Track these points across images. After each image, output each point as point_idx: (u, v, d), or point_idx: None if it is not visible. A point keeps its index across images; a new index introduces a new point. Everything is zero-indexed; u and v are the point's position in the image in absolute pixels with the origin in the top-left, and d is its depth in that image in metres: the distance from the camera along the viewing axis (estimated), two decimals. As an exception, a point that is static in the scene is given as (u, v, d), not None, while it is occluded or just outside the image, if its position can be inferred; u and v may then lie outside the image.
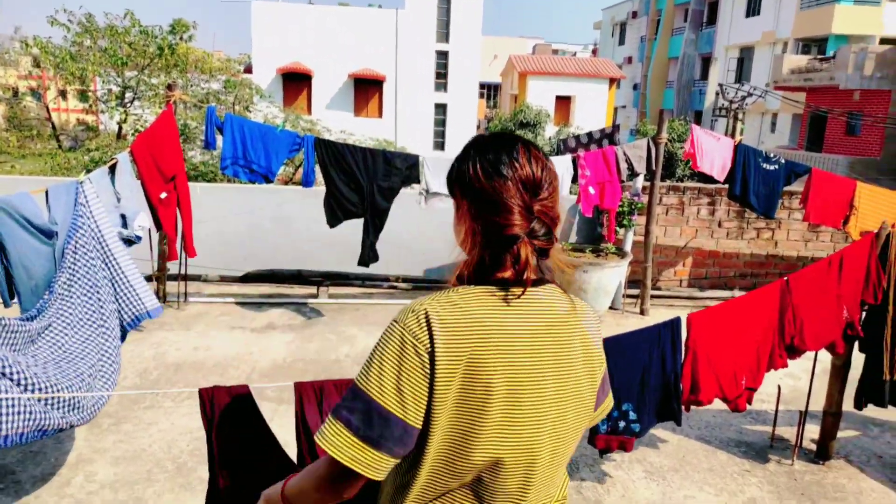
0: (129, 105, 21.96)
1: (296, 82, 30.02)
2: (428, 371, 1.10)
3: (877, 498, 3.65)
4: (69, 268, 2.91)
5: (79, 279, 2.94)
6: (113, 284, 3.17)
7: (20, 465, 3.41)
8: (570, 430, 1.22)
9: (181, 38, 22.61)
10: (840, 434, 4.08)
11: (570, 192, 6.15)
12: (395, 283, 6.98)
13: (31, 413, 2.30)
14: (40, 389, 2.30)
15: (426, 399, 1.11)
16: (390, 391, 1.10)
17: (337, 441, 1.10)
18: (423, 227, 7.21)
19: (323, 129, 18.90)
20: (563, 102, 33.41)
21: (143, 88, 21.65)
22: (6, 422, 2.17)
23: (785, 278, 3.29)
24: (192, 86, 18.42)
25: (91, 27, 22.23)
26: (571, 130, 25.03)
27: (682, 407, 3.20)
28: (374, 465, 1.10)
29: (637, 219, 6.69)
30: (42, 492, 3.21)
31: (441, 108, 31.16)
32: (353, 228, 5.99)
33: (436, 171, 5.59)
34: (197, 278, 6.62)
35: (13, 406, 2.22)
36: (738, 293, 7.29)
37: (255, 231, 7.03)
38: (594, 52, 53.39)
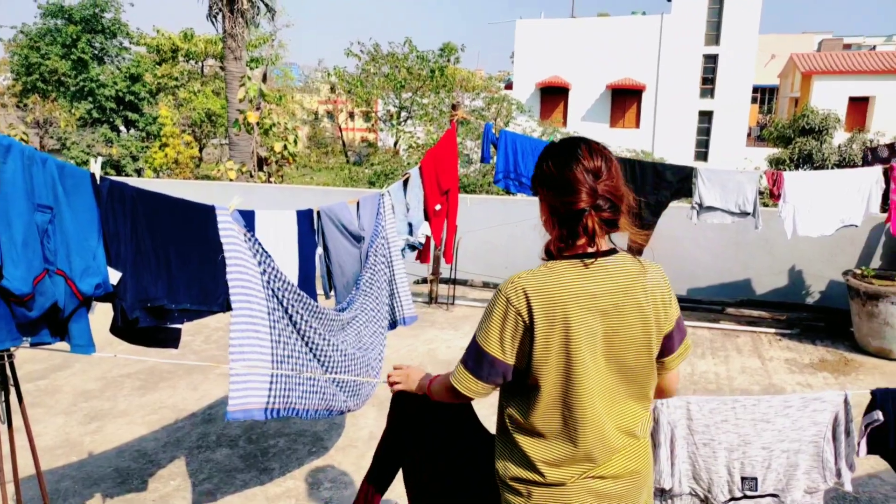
0: (403, 123, 24.59)
1: (553, 95, 30.61)
2: (529, 328, 1.50)
3: None
4: (371, 268, 3.36)
5: (375, 280, 3.38)
6: (390, 287, 3.58)
7: (327, 434, 4.03)
8: (629, 367, 1.55)
9: (449, 61, 24.66)
10: None
11: (882, 210, 5.27)
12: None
13: (324, 393, 2.69)
14: (336, 373, 2.68)
15: (528, 348, 1.51)
16: (495, 342, 1.54)
17: (458, 374, 1.64)
18: (691, 243, 6.82)
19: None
20: (858, 105, 28.76)
21: (415, 108, 24.09)
22: (307, 398, 2.56)
23: None
24: (466, 114, 19.99)
25: (377, 55, 25.39)
26: (869, 137, 21.44)
27: None
28: (477, 390, 1.62)
29: (969, 243, 5.48)
30: (343, 459, 3.74)
31: (706, 116, 29.10)
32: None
33: (711, 184, 5.25)
34: (464, 283, 7.12)
35: (314, 385, 2.62)
36: None
37: (517, 241, 7.33)
38: (902, 42, 44.98)
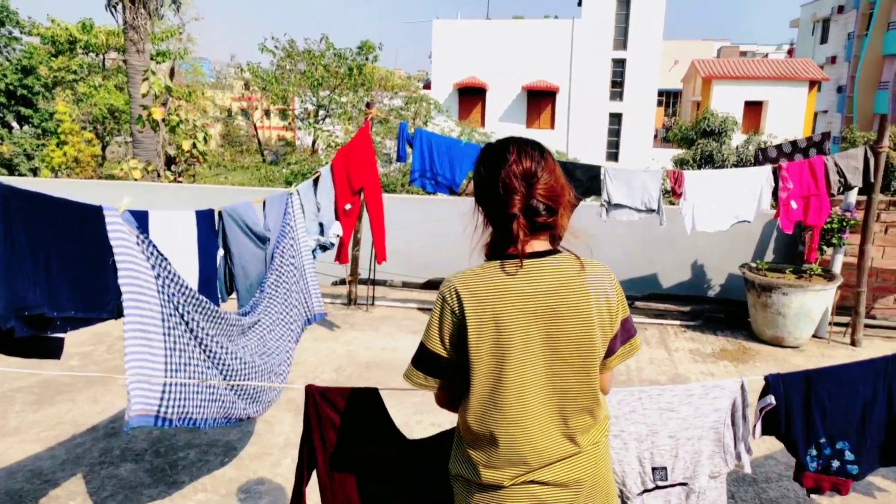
0: (321, 122, 24.15)
1: (470, 96, 30.96)
2: (461, 324, 1.53)
3: None
4: (276, 270, 3.25)
5: (282, 282, 3.28)
6: (300, 288, 3.49)
7: (240, 443, 3.88)
8: (575, 371, 1.54)
9: (367, 59, 24.43)
10: None
11: (771, 207, 5.64)
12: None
13: (222, 402, 2.59)
14: (235, 381, 2.59)
15: (463, 344, 1.54)
16: (434, 338, 1.59)
17: (407, 369, 1.69)
18: (602, 240, 7.06)
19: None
20: (753, 109, 30.82)
21: (333, 106, 23.72)
22: (205, 407, 2.46)
23: None
24: (376, 103, 19.80)
25: (292, 52, 24.79)
26: (763, 139, 22.99)
27: (914, 455, 2.78)
28: (424, 383, 1.67)
29: (849, 237, 5.96)
30: (258, 467, 3.61)
31: (616, 118, 30.30)
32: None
33: (619, 182, 5.45)
34: (383, 283, 7.06)
35: (213, 394, 2.51)
36: (978, 327, 6.20)
37: (437, 240, 7.33)
38: (790, 52, 48.64)
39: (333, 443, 2.29)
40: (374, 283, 6.76)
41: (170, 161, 10.62)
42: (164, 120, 9.82)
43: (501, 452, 1.54)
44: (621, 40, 29.73)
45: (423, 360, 1.64)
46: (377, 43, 25.25)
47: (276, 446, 3.83)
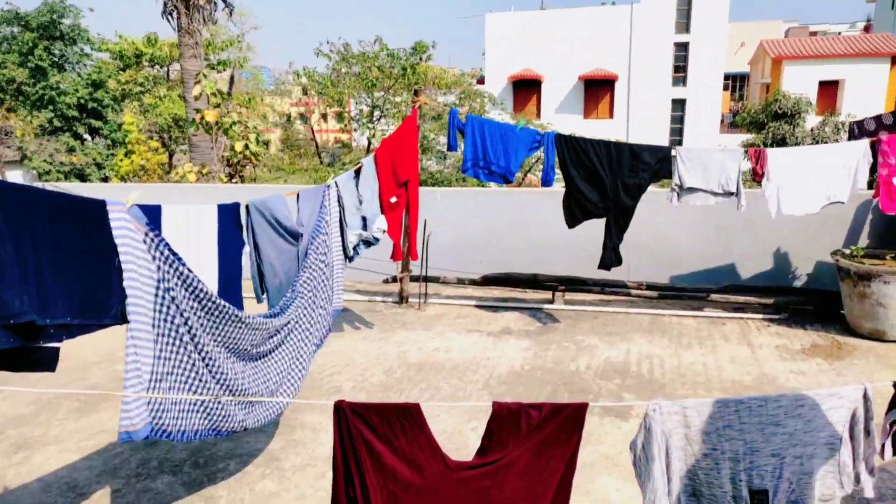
0: (376, 122, 24.16)
1: (525, 88, 30.38)
2: None
3: None
4: (310, 268, 2.96)
5: (314, 280, 2.98)
6: (328, 286, 3.20)
7: (283, 453, 3.62)
8: None
9: (421, 58, 24.26)
10: None
11: (869, 187, 4.99)
12: (639, 290, 6.37)
13: (210, 413, 2.31)
14: (237, 388, 2.30)
15: None
16: None
17: None
18: (671, 227, 6.53)
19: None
20: (829, 89, 28.91)
21: (388, 107, 23.67)
22: (183, 419, 2.18)
23: None
24: (430, 98, 19.60)
25: (347, 55, 24.91)
26: (840, 119, 21.47)
27: None
28: None
29: (962, 217, 5.23)
30: (300, 480, 3.35)
31: (679, 104, 29.06)
32: (593, 231, 5.57)
33: (691, 164, 4.93)
34: (436, 280, 6.75)
35: (198, 404, 2.24)
36: None
37: (491, 234, 6.97)
38: (866, 28, 45.57)
39: (369, 467, 1.97)
40: (426, 279, 6.45)
41: (229, 164, 10.65)
42: (217, 122, 9.82)
43: None
44: (684, 23, 28.47)
45: None
46: (430, 41, 25.06)
47: (320, 457, 3.56)
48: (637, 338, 5.53)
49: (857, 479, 2.14)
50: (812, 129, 21.40)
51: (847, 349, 5.19)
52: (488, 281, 6.72)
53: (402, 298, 6.48)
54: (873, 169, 4.91)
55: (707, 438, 2.05)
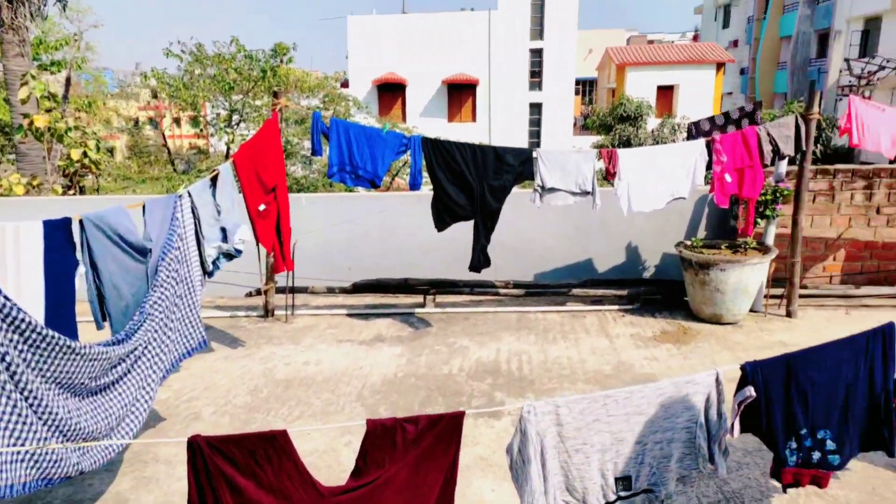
0: (235, 127, 23.00)
1: (390, 92, 30.43)
2: None
3: None
4: (160, 286, 2.68)
5: (166, 300, 2.70)
6: (186, 305, 2.93)
7: (134, 493, 3.26)
8: None
9: (282, 61, 23.43)
10: None
11: (706, 182, 5.46)
12: (506, 290, 6.53)
13: (38, 461, 2.05)
14: (67, 430, 2.04)
15: None
16: None
17: None
18: (534, 227, 6.75)
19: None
20: (665, 93, 31.75)
21: (247, 111, 22.62)
22: (7, 471, 1.91)
23: None
24: (292, 102, 19.00)
25: (201, 56, 23.50)
26: (676, 121, 23.62)
27: (894, 433, 2.53)
28: None
29: (781, 208, 5.87)
30: (156, 522, 3.03)
31: (536, 108, 30.52)
32: (462, 233, 5.62)
33: (551, 165, 5.11)
34: (304, 290, 6.49)
35: (21, 454, 1.97)
36: (903, 289, 6.27)
37: (361, 240, 6.83)
38: (695, 38, 50.62)
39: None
40: (293, 290, 6.18)
41: (62, 174, 9.58)
42: (49, 128, 8.81)
43: None
44: (538, 30, 29.96)
45: None
46: (291, 44, 24.31)
47: (177, 494, 3.24)
48: (506, 336, 5.65)
49: (712, 459, 2.28)
50: (653, 131, 23.35)
51: (692, 333, 5.64)
52: (359, 288, 6.57)
53: (267, 312, 6.16)
54: (709, 166, 5.37)
55: (578, 434, 2.08)
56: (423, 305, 6.45)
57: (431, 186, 5.35)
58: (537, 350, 5.31)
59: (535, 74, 30.37)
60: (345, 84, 30.47)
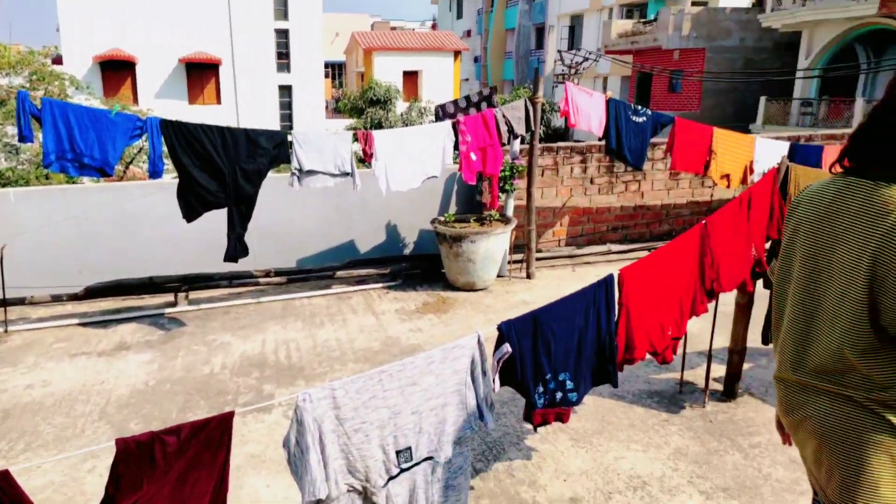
0: None
1: (117, 71, 27.09)
2: None
3: (791, 428, 3.73)
4: None
5: None
6: None
7: None
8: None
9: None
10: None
11: (454, 161, 5.80)
12: (268, 278, 6.27)
13: None
14: None
15: None
16: None
17: None
18: (294, 212, 6.57)
19: (156, 119, 17.12)
20: (411, 78, 33.20)
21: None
22: None
23: (703, 221, 3.18)
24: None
25: None
26: (423, 105, 24.87)
27: (617, 368, 2.98)
28: None
29: (517, 182, 6.51)
30: None
31: (286, 90, 29.70)
32: (215, 222, 5.23)
33: (308, 147, 4.99)
34: (20, 302, 5.48)
35: None
36: (612, 246, 7.44)
37: (92, 238, 5.96)
38: (433, 27, 53.66)
39: None
40: (5, 303, 5.19)
41: None
42: None
43: None
44: (282, 10, 29.04)
45: None
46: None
47: None
48: (271, 326, 5.44)
49: (482, 416, 2.44)
50: (402, 114, 24.27)
51: (450, 302, 6.02)
52: (93, 293, 5.75)
53: (-27, 331, 5.08)
54: (456, 146, 5.73)
55: (356, 414, 2.07)
56: (174, 304, 5.89)
57: (176, 174, 4.86)
58: (305, 336, 5.21)
59: (283, 56, 29.49)
60: (57, 60, 26.27)
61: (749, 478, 3.25)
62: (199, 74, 28.25)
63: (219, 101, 28.57)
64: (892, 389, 1.43)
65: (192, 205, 4.82)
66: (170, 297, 5.97)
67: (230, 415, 1.92)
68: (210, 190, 4.80)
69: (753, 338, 4.10)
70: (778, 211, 3.44)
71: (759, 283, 3.74)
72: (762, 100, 20.91)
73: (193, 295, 6.06)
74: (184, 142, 4.68)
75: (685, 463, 3.38)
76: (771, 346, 4.00)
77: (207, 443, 1.91)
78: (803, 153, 6.40)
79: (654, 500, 3.07)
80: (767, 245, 3.62)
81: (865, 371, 1.44)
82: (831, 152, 6.54)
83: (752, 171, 6.36)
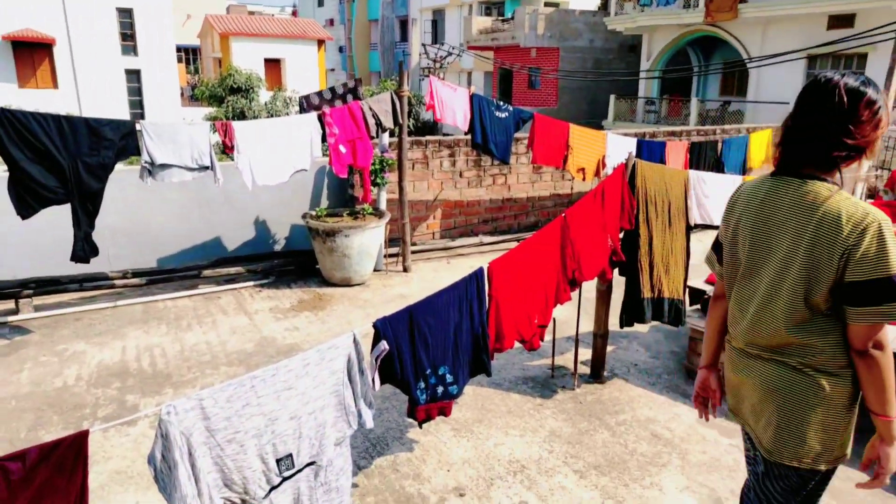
0: None
1: (-78, 48, 23.62)
2: None
3: (645, 401, 4.08)
4: None
5: None
6: None
7: None
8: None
9: None
10: (601, 352, 4.47)
11: (324, 154, 5.68)
12: (124, 280, 5.80)
13: None
14: None
15: None
16: None
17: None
18: (150, 208, 6.12)
19: (-22, 104, 15.24)
20: (273, 65, 31.95)
21: None
22: None
23: (563, 214, 3.38)
24: None
25: None
26: (287, 94, 24.05)
27: (490, 357, 3.11)
28: None
29: (388, 176, 6.52)
30: None
31: (134, 75, 27.41)
32: (59, 219, 4.75)
33: (160, 139, 4.65)
34: None
35: None
36: (484, 238, 7.69)
37: None
38: (294, 14, 51.95)
39: None
40: None
41: None
42: None
43: None
44: (123, -13, 26.72)
45: None
46: None
47: None
48: (132, 331, 5.06)
49: (360, 415, 2.44)
50: (266, 104, 23.32)
51: (326, 298, 5.93)
52: None
53: None
54: (325, 138, 5.62)
55: (229, 424, 1.99)
56: (15, 312, 5.29)
57: (6, 167, 4.35)
58: (171, 340, 4.90)
59: (128, 38, 27.17)
60: None
61: (617, 454, 3.51)
62: (30, 54, 25.30)
63: (55, 85, 25.79)
64: (827, 353, 1.72)
65: (26, 201, 4.33)
66: (10, 304, 5.36)
67: (84, 433, 1.77)
68: (47, 186, 4.34)
69: (613, 322, 4.42)
70: (628, 203, 3.74)
71: (616, 270, 4.05)
72: (612, 98, 22.47)
73: (39, 300, 5.48)
74: (13, 132, 4.19)
75: (560, 444, 3.59)
76: (627, 328, 4.38)
77: (60, 467, 1.75)
78: (649, 148, 6.99)
79: (533, 483, 3.23)
80: (621, 235, 3.92)
81: (804, 341, 1.72)
82: (673, 148, 7.19)
83: (604, 165, 6.82)
